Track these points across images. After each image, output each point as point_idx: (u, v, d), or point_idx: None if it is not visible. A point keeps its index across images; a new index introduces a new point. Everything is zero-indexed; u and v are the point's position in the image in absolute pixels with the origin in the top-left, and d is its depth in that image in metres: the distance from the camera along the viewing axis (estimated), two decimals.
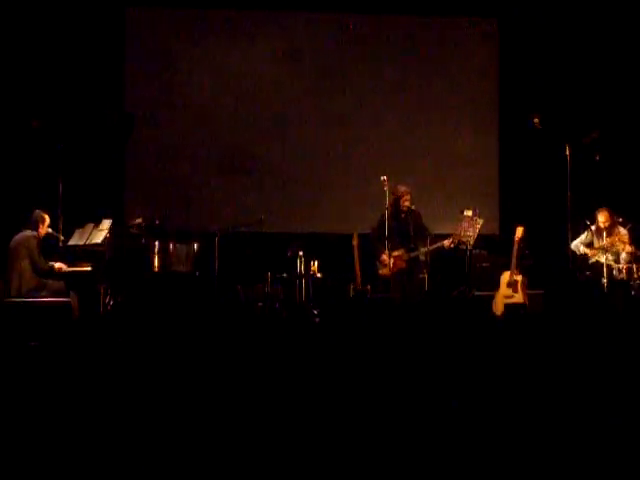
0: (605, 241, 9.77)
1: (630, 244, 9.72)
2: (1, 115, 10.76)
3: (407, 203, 9.83)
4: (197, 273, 9.22)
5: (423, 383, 3.22)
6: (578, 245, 9.95)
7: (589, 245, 9.98)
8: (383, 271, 9.71)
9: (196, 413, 3.11)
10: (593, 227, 9.96)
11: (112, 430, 3.02)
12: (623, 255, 9.76)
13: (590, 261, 9.92)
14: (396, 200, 9.76)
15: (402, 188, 9.85)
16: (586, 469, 2.91)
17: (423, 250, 9.67)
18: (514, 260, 9.92)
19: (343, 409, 3.10)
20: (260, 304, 9.82)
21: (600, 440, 3.07)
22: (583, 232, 10.00)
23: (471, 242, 9.59)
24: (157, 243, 8.98)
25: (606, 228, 9.86)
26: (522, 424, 3.14)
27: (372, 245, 9.92)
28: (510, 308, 9.67)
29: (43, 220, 8.95)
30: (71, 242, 9.07)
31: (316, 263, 9.97)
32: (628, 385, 3.60)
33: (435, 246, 9.63)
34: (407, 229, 9.85)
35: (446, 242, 9.61)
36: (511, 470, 2.92)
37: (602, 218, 9.93)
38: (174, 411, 3.13)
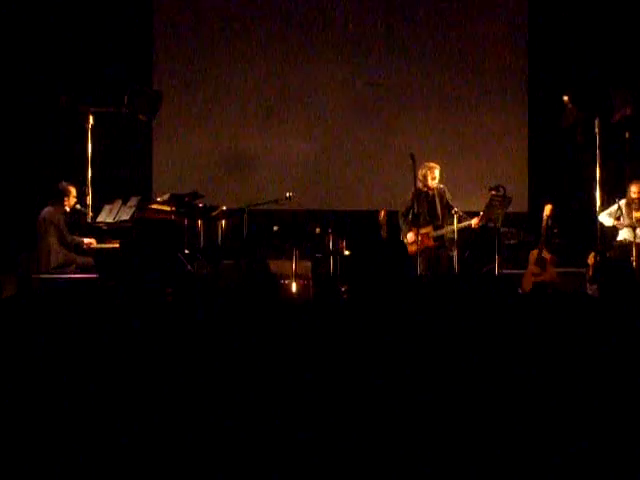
0: (635, 215, 9.66)
1: None
2: (30, 92, 10.81)
3: (434, 180, 9.82)
4: (225, 249, 9.24)
5: (450, 361, 3.19)
6: (606, 217, 9.85)
7: (618, 219, 9.87)
8: (410, 248, 9.69)
9: (220, 387, 3.10)
10: (622, 202, 9.85)
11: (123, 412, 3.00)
12: None
13: (618, 239, 9.84)
14: (424, 177, 9.75)
15: (429, 164, 9.83)
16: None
17: (450, 228, 9.64)
18: (543, 238, 9.88)
19: (371, 387, 3.09)
20: (287, 281, 9.82)
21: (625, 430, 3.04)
22: (612, 204, 9.88)
23: (500, 220, 9.55)
24: (185, 220, 9.00)
25: (638, 200, 9.75)
26: (547, 407, 3.11)
27: (399, 223, 9.91)
28: (539, 286, 9.62)
29: (69, 192, 8.96)
30: (99, 219, 9.10)
31: (344, 240, 9.96)
32: None
33: (463, 224, 9.60)
34: (435, 207, 9.84)
35: (474, 220, 9.59)
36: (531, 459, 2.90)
37: (635, 189, 9.82)
38: (198, 383, 3.12)
